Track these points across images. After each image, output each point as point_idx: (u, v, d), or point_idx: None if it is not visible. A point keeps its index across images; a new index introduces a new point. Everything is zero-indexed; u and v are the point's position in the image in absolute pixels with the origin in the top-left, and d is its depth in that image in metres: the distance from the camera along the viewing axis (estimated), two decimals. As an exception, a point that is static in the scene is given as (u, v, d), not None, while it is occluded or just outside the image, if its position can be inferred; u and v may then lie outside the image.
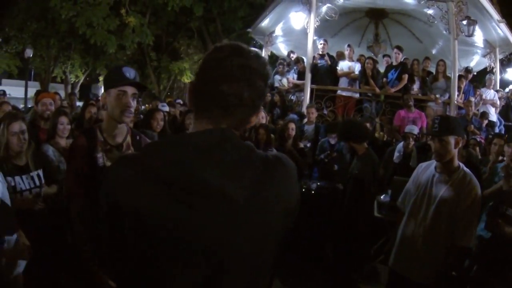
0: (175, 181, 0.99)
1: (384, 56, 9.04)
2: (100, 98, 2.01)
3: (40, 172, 3.23)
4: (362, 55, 9.17)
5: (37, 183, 3.17)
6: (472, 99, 7.88)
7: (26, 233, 2.50)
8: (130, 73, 2.16)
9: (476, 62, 10.09)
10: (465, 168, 2.71)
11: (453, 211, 2.58)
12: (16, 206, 2.62)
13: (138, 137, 2.37)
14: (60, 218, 3.94)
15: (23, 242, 2.34)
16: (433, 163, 2.85)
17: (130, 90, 2.15)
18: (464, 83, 8.33)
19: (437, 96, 7.93)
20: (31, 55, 17.85)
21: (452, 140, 2.66)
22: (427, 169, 2.88)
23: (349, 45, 8.75)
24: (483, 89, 8.77)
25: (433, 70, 8.62)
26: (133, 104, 2.18)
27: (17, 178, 3.01)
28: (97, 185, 1.96)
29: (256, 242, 1.07)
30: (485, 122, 7.61)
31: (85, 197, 2.15)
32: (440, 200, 2.63)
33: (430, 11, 8.07)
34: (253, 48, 1.14)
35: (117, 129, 2.24)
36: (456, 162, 2.72)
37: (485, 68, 9.71)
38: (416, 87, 8.23)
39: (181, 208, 0.99)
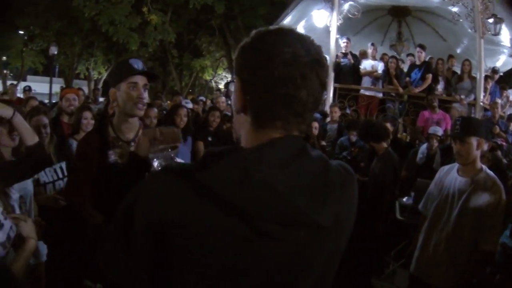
0: (244, 203, 0.84)
1: (408, 55, 8.89)
2: (111, 96, 2.00)
3: (63, 164, 3.30)
4: (385, 54, 9.04)
5: (60, 175, 3.24)
6: (499, 100, 7.66)
7: (48, 226, 2.54)
8: (137, 64, 2.08)
9: (502, 62, 9.78)
10: (488, 171, 2.64)
11: (476, 215, 2.51)
12: (40, 203, 2.66)
13: None
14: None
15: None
16: (455, 166, 2.78)
17: (141, 80, 2.07)
18: (490, 84, 8.11)
19: (462, 97, 7.74)
20: (56, 53, 18.34)
21: (474, 141, 2.59)
22: (449, 172, 2.82)
23: (372, 44, 8.63)
24: (510, 91, 8.53)
25: (458, 70, 8.42)
26: (145, 95, 2.09)
27: None
28: (107, 183, 2.03)
29: (327, 266, 0.99)
30: (513, 125, 7.37)
31: (92, 196, 2.15)
32: (463, 204, 2.57)
33: (454, 9, 7.86)
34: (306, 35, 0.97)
35: (129, 124, 2.17)
36: (479, 164, 2.66)
37: (512, 69, 9.46)
38: (440, 87, 8.05)
39: (250, 235, 0.85)
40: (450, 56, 8.61)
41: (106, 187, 2.03)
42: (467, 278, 2.54)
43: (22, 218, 1.92)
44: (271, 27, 0.97)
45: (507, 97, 8.24)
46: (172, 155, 1.90)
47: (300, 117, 0.92)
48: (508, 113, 7.82)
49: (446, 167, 2.93)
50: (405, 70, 8.50)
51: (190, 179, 0.87)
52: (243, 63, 0.94)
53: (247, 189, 0.84)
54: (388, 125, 5.58)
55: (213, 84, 24.80)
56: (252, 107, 0.93)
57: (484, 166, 2.67)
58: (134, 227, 0.91)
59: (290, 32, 0.94)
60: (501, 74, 9.52)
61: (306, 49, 0.91)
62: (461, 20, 8.02)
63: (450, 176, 2.76)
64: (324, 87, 0.95)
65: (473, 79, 7.93)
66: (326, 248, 0.95)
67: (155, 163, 1.91)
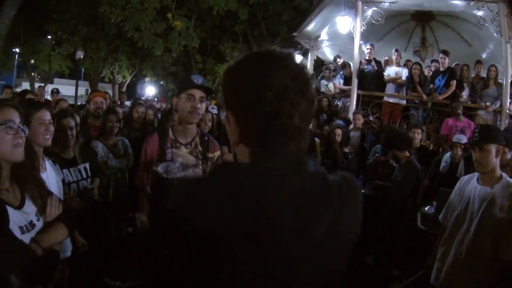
0: (255, 210, 0.90)
1: (432, 61, 8.77)
2: (172, 101, 2.27)
3: (87, 165, 3.40)
4: (409, 60, 8.95)
5: (84, 175, 3.35)
6: (526, 107, 7.49)
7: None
8: (197, 79, 2.41)
9: (530, 68, 9.55)
10: (508, 178, 2.61)
11: (496, 224, 2.47)
12: None
13: (206, 138, 2.64)
14: (106, 211, 4.13)
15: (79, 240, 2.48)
16: (475, 176, 2.77)
17: (198, 94, 2.41)
18: (517, 91, 7.92)
19: (488, 104, 7.57)
20: (82, 57, 18.85)
21: (493, 149, 2.57)
22: (469, 182, 2.80)
23: (396, 50, 8.56)
24: (538, 97, 8.29)
25: (485, 75, 8.25)
26: (201, 106, 2.43)
27: (65, 170, 3.18)
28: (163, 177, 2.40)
29: (326, 273, 1.02)
30: (539, 133, 7.16)
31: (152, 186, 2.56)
32: (483, 213, 2.53)
33: (479, 13, 7.70)
34: (281, 50, 1.01)
35: (187, 129, 2.53)
36: (498, 172, 2.64)
37: (541, 75, 9.17)
38: (465, 94, 7.90)
39: (254, 242, 0.91)
40: (478, 62, 8.40)
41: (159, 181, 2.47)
42: (488, 286, 2.49)
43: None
44: (254, 55, 1.01)
45: (535, 104, 8.02)
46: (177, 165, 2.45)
47: (296, 139, 0.97)
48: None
49: (466, 177, 2.93)
50: (429, 76, 8.39)
51: (216, 184, 0.94)
52: (234, 97, 0.98)
53: (235, 206, 0.89)
54: (418, 131, 5.54)
55: (235, 89, 24.88)
56: (250, 138, 0.98)
57: (504, 174, 2.64)
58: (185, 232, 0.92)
59: (275, 60, 0.96)
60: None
61: (293, 76, 0.95)
62: (486, 24, 7.87)
63: (470, 185, 2.74)
64: (312, 102, 0.99)
65: (499, 85, 7.74)
66: (319, 259, 0.98)
67: (160, 169, 2.43)
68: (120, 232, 4.62)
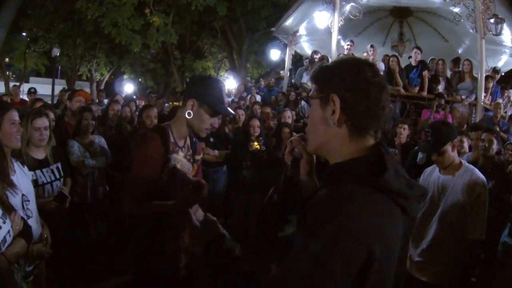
0: (407, 194, 1.10)
1: (409, 57, 8.89)
2: (188, 104, 2.03)
3: (59, 165, 3.34)
4: (386, 55, 9.05)
5: (57, 175, 3.28)
6: (500, 100, 7.65)
7: (49, 226, 2.58)
8: (226, 110, 2.33)
9: (504, 62, 9.77)
10: (466, 164, 2.76)
11: (461, 207, 2.61)
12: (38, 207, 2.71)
13: (194, 139, 2.44)
14: (84, 212, 4.07)
15: (47, 236, 2.41)
16: (436, 167, 2.87)
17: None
18: (492, 84, 8.09)
19: (463, 97, 7.74)
20: (58, 54, 18.35)
21: (449, 148, 2.70)
22: (432, 173, 2.91)
23: (372, 46, 8.63)
24: (511, 90, 8.51)
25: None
26: (216, 123, 2.37)
27: (38, 172, 3.11)
28: (164, 187, 2.13)
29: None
30: (514, 125, 7.31)
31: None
32: (448, 199, 2.67)
33: (456, 9, 7.87)
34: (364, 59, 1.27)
35: (186, 133, 2.29)
36: (457, 160, 2.77)
37: (514, 69, 9.44)
38: (441, 87, 8.04)
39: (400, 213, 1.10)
40: (454, 60, 8.58)
41: (163, 190, 2.15)
42: (460, 271, 2.62)
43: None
44: (349, 59, 1.23)
45: (508, 97, 8.23)
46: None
47: (381, 128, 1.19)
48: (509, 113, 7.80)
49: (429, 169, 3.01)
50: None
51: (375, 189, 1.05)
52: (341, 84, 1.14)
53: (401, 181, 1.10)
54: (405, 126, 5.58)
55: (216, 85, 24.76)
56: (352, 122, 1.14)
57: (463, 161, 2.81)
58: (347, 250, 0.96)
59: (371, 64, 1.19)
60: (502, 74, 9.52)
61: (383, 78, 1.18)
62: (462, 20, 8.02)
63: (434, 176, 2.86)
64: (389, 103, 1.21)
65: (474, 79, 7.92)
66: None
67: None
68: (99, 232, 4.57)
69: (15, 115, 2.27)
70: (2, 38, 11.64)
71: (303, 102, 8.03)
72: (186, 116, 2.17)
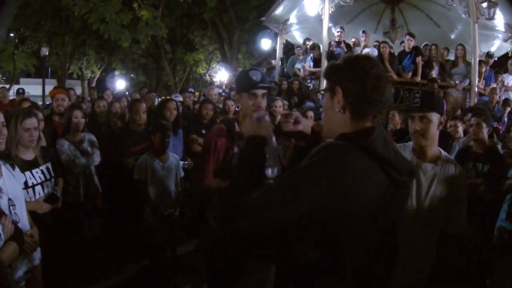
0: (393, 161, 1.32)
1: (401, 42, 8.84)
2: (234, 99, 2.45)
3: (49, 165, 3.26)
4: (377, 41, 8.99)
5: (47, 176, 3.21)
6: (494, 85, 7.62)
7: (43, 226, 2.53)
8: (256, 76, 2.44)
9: (497, 47, 9.74)
10: (445, 153, 2.35)
11: (445, 201, 2.21)
12: (29, 209, 2.65)
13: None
14: (78, 211, 4.01)
15: (32, 234, 2.36)
16: (408, 146, 2.38)
17: (259, 92, 2.45)
18: (485, 69, 8.07)
19: (457, 82, 7.71)
20: (47, 53, 18.06)
21: (435, 118, 2.22)
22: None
23: (364, 31, 8.57)
24: (504, 75, 8.47)
25: (452, 57, 8.37)
26: (263, 101, 2.46)
27: (27, 173, 3.03)
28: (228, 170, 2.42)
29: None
30: (508, 109, 7.12)
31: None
32: (433, 192, 2.21)
33: (448, -6, 7.82)
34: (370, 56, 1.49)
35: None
36: (437, 146, 2.32)
37: (507, 53, 9.32)
38: (434, 73, 8.01)
39: (392, 186, 1.30)
40: (445, 48, 8.53)
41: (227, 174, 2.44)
42: (442, 264, 2.24)
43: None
44: (352, 56, 1.42)
45: (502, 82, 8.19)
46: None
47: (381, 114, 1.38)
48: (503, 97, 7.77)
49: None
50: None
51: (356, 146, 1.28)
52: (343, 76, 1.35)
53: (388, 150, 1.32)
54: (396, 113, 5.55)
55: (207, 77, 24.65)
56: (352, 108, 1.35)
57: (440, 149, 2.35)
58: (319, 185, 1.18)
59: (371, 58, 1.40)
60: (496, 59, 9.47)
61: (382, 70, 1.36)
62: (454, 5, 7.97)
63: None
64: (390, 93, 1.41)
65: (467, 64, 7.89)
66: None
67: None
68: (94, 230, 4.51)
69: None
70: (2, 38, 11.42)
71: (318, 95, 7.97)
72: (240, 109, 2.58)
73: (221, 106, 6.13)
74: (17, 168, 2.52)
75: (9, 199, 2.17)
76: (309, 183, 1.18)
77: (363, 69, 1.33)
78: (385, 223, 1.33)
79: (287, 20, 10.40)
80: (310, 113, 5.57)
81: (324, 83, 7.86)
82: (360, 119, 1.35)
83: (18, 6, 11.61)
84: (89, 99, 9.39)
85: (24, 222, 2.31)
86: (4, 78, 25.86)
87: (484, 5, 7.38)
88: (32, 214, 2.64)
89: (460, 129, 4.85)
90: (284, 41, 11.15)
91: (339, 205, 1.17)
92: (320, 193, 1.15)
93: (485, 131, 3.83)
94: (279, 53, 11.12)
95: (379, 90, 1.32)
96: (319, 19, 8.47)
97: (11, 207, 2.16)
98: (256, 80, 2.42)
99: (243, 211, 1.21)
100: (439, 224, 2.23)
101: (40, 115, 3.77)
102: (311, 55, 8.91)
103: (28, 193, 2.97)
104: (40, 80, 19.84)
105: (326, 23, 8.24)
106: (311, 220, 1.15)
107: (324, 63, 8.17)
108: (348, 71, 1.35)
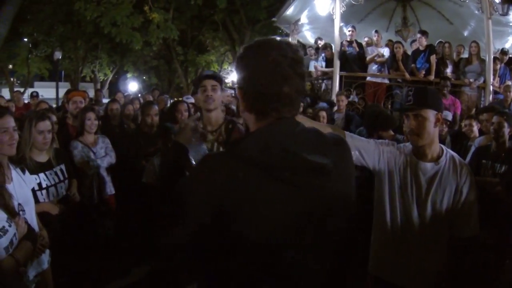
0: (276, 164, 1.12)
1: (413, 41, 8.74)
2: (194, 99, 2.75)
3: (63, 166, 3.30)
4: (390, 40, 8.90)
5: (61, 177, 3.24)
6: (509, 82, 7.48)
7: (52, 229, 2.57)
8: (207, 72, 2.61)
9: (511, 43, 9.60)
10: (450, 151, 2.20)
11: (450, 204, 2.08)
12: (42, 210, 2.68)
13: (231, 126, 2.66)
14: (92, 212, 4.04)
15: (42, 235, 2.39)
16: (408, 146, 2.25)
17: (208, 83, 2.53)
18: (500, 66, 7.94)
19: (471, 80, 7.59)
20: (60, 57, 18.37)
21: (431, 115, 2.08)
22: (394, 154, 2.22)
23: (376, 31, 8.49)
24: (520, 72, 8.33)
25: (466, 55, 8.23)
26: (214, 93, 2.53)
27: (41, 175, 3.07)
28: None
29: (341, 202, 1.23)
30: (524, 107, 7.12)
31: None
32: (435, 193, 2.09)
33: (460, -10, 7.70)
34: (281, 38, 1.29)
35: (210, 118, 2.59)
36: (438, 144, 2.17)
37: (522, 50, 9.20)
38: (448, 71, 7.90)
39: (285, 188, 1.12)
40: (459, 45, 8.41)
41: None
42: (453, 270, 2.10)
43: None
44: (257, 41, 1.27)
45: (517, 79, 8.05)
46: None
47: (289, 106, 1.20)
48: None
49: (385, 142, 2.32)
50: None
51: (230, 155, 1.16)
52: (239, 75, 1.25)
53: (267, 151, 1.13)
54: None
55: (219, 79, 24.73)
56: (252, 107, 1.23)
57: (443, 146, 2.21)
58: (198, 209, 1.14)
59: (268, 43, 1.22)
60: (511, 55, 9.30)
61: (283, 54, 1.17)
62: (467, 1, 7.85)
63: (400, 160, 2.20)
64: (303, 77, 1.22)
65: (482, 61, 7.75)
66: (335, 189, 1.20)
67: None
68: (108, 231, 4.54)
69: (5, 122, 2.19)
70: (3, 35, 11.55)
71: None
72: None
73: (234, 107, 6.11)
74: (27, 172, 2.55)
75: (19, 204, 2.19)
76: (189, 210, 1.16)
77: (253, 65, 1.20)
78: (293, 235, 1.14)
79: (298, 20, 10.36)
80: (323, 113, 5.54)
81: (336, 85, 7.91)
82: (263, 118, 1.21)
83: (19, 4, 11.67)
84: (93, 102, 9.46)
85: (34, 226, 2.33)
86: (18, 82, 26.30)
87: (498, 0, 7.25)
88: (42, 217, 2.67)
89: (475, 128, 4.76)
90: (296, 42, 11.11)
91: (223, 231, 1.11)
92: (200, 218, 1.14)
93: (506, 131, 3.75)
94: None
95: (275, 83, 1.16)
96: (330, 18, 8.42)
97: (20, 212, 2.18)
98: (205, 74, 2.62)
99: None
100: (445, 225, 2.10)
101: (54, 118, 3.83)
102: (323, 55, 8.86)
103: (42, 194, 3.02)
104: (53, 84, 20.18)
105: (337, 22, 8.19)
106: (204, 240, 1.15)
107: (337, 63, 8.12)
108: (240, 68, 1.24)
